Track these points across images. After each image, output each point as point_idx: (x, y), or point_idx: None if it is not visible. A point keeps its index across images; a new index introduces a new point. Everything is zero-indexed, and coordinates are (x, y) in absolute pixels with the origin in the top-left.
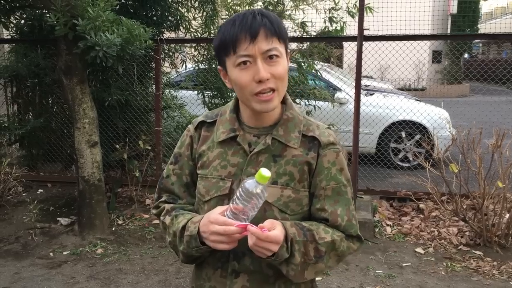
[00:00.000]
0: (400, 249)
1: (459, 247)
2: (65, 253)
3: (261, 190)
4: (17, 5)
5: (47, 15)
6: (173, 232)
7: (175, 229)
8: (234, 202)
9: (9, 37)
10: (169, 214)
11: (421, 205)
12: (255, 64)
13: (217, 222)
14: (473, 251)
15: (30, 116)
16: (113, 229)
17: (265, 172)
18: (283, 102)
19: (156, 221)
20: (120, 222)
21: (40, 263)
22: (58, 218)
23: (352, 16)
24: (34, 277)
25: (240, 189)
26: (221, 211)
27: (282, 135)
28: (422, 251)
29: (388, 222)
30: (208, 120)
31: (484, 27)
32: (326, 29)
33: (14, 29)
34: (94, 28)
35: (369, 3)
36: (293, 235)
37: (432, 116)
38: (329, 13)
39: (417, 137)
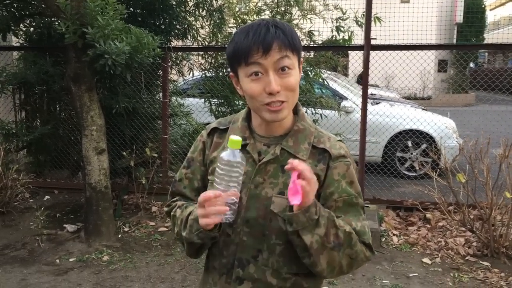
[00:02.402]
0: (406, 259)
1: (466, 258)
2: (71, 260)
3: (239, 156)
4: (27, 13)
5: (56, 23)
6: (181, 220)
7: (183, 216)
8: (219, 182)
9: (18, 44)
10: (180, 208)
11: (428, 215)
12: (267, 76)
13: (203, 196)
14: (481, 262)
15: (37, 123)
16: (119, 236)
17: (234, 137)
18: (295, 112)
19: (162, 229)
20: (126, 229)
21: (47, 270)
22: (65, 225)
23: (360, 26)
24: (41, 283)
25: (219, 164)
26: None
27: (292, 146)
28: (429, 262)
29: (395, 232)
30: (221, 127)
31: (491, 37)
32: (333, 38)
33: (24, 36)
34: (103, 36)
35: (376, 13)
36: (321, 206)
37: (439, 125)
38: (336, 22)
39: (424, 146)
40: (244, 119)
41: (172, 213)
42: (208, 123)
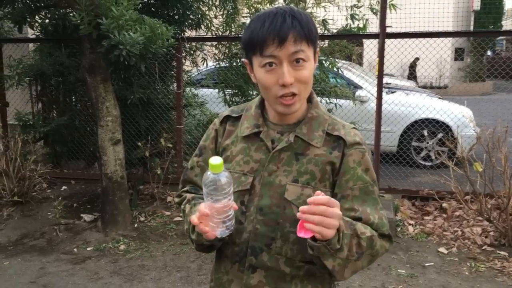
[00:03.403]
0: (422, 248)
1: (483, 247)
2: (88, 249)
3: (223, 179)
4: (42, 5)
5: (71, 14)
6: (189, 221)
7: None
8: (210, 199)
9: (34, 36)
10: (189, 202)
11: (444, 205)
12: (281, 67)
13: (200, 212)
14: (498, 252)
15: (54, 114)
16: (135, 225)
17: (214, 160)
18: (309, 100)
19: (177, 218)
20: (142, 219)
21: (65, 259)
22: (82, 215)
23: (375, 14)
24: (59, 272)
25: (204, 188)
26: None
27: (306, 134)
28: (445, 251)
29: (410, 222)
30: (234, 115)
31: (509, 24)
32: (348, 27)
33: (39, 28)
34: (118, 27)
35: (392, 0)
36: (342, 227)
37: (456, 114)
38: (351, 10)
39: (440, 135)
40: (257, 106)
41: (182, 206)
42: (224, 111)
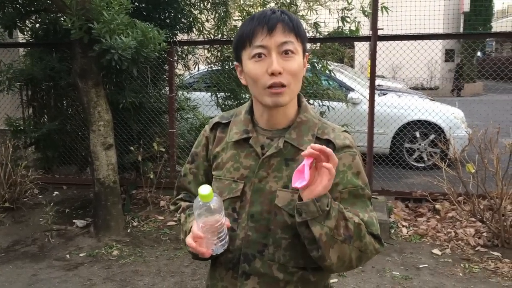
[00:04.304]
0: (416, 250)
1: (476, 248)
2: (81, 255)
3: (214, 204)
4: (33, 9)
5: (62, 19)
6: (184, 232)
7: (186, 228)
8: (202, 223)
9: (24, 41)
10: (184, 212)
11: (437, 206)
12: (270, 57)
13: (193, 235)
14: (491, 252)
15: (45, 119)
16: (128, 231)
17: (203, 191)
18: (298, 104)
19: (171, 223)
20: (135, 224)
21: (57, 265)
22: (74, 220)
23: (367, 16)
24: (51, 279)
25: (196, 215)
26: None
27: (295, 139)
28: (439, 253)
29: (404, 223)
30: (224, 121)
31: (499, 25)
32: (339, 29)
33: (30, 33)
34: (109, 31)
35: (384, 2)
36: (331, 199)
37: (448, 115)
38: (342, 13)
39: (432, 137)
40: (247, 111)
41: (177, 215)
42: (215, 117)
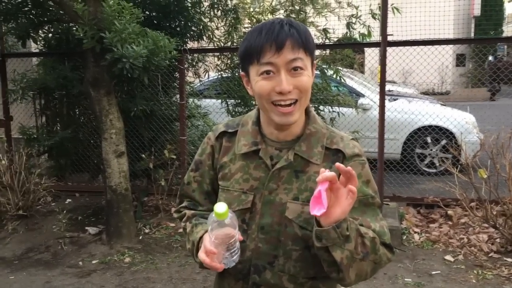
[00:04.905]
0: (428, 256)
1: (489, 255)
2: (94, 262)
3: (228, 222)
4: (45, 19)
5: (74, 28)
6: (192, 242)
7: (193, 238)
8: (215, 239)
9: (37, 50)
10: (189, 221)
11: (450, 212)
12: (279, 75)
13: (205, 249)
14: (505, 259)
15: (58, 128)
16: (140, 238)
17: (220, 209)
18: (306, 114)
19: (182, 230)
20: (146, 231)
21: (70, 272)
22: (87, 228)
23: (376, 19)
24: (65, 286)
25: (210, 232)
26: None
27: (305, 151)
28: (452, 259)
29: (416, 229)
30: (230, 130)
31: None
32: (349, 35)
33: (42, 42)
34: (121, 40)
35: (393, 4)
36: (350, 221)
37: (459, 120)
38: (349, 19)
39: (443, 142)
40: (254, 122)
41: (182, 223)
42: (218, 124)
